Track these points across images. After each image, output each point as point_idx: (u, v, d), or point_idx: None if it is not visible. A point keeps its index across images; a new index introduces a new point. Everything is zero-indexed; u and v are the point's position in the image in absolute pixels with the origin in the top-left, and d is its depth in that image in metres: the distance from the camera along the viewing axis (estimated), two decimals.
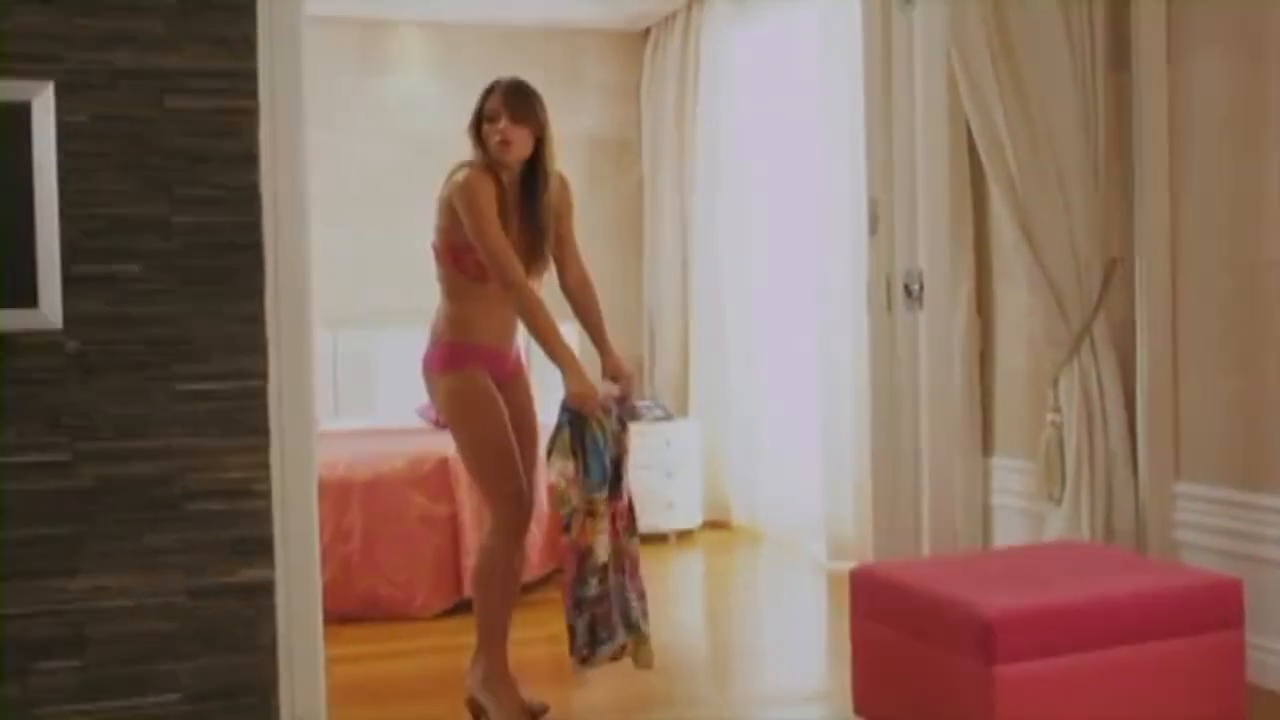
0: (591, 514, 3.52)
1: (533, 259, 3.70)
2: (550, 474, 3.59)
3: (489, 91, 3.70)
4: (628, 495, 3.68)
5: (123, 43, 2.88)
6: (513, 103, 3.64)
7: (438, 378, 3.67)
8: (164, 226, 2.91)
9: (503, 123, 3.61)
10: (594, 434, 3.53)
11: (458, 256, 3.63)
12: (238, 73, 2.97)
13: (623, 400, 3.72)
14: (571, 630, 3.53)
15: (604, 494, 3.53)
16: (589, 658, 3.55)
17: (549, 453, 3.55)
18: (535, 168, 3.70)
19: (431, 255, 3.73)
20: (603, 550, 3.52)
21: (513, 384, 3.78)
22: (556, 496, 3.63)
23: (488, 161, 3.65)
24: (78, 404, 2.87)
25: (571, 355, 3.58)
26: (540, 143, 3.68)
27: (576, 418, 3.54)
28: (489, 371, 3.67)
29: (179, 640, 2.95)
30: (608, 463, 3.55)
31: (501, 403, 3.67)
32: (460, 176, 3.62)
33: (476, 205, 3.55)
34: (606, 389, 3.72)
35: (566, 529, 3.53)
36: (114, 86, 2.87)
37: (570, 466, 3.51)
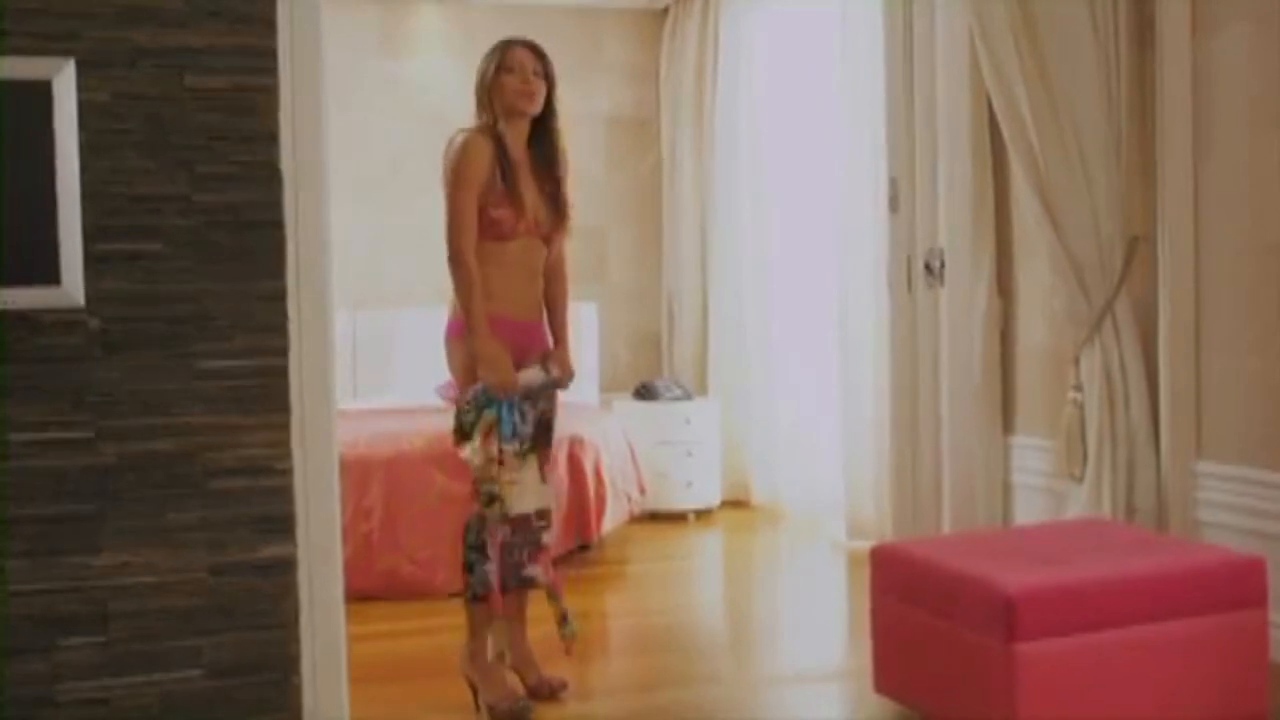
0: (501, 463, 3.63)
1: (554, 213, 3.75)
2: (471, 455, 3.65)
3: (504, 46, 3.74)
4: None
5: (143, 20, 2.87)
6: (534, 56, 3.71)
7: (456, 343, 3.69)
8: (185, 204, 2.91)
9: (528, 74, 3.67)
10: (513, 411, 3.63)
11: (479, 215, 3.65)
12: (258, 50, 2.96)
13: (555, 384, 3.79)
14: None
15: (516, 446, 3.63)
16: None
17: (466, 435, 3.62)
18: (542, 122, 3.74)
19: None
20: (515, 502, 3.66)
21: (532, 349, 3.77)
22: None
23: (493, 122, 3.68)
24: (100, 382, 2.87)
25: (493, 346, 3.58)
26: (550, 100, 3.74)
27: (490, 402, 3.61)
28: (509, 345, 3.66)
29: (201, 616, 2.96)
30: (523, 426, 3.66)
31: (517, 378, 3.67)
32: (459, 140, 3.67)
33: (463, 168, 3.61)
34: (533, 374, 3.72)
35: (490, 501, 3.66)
36: (134, 65, 2.86)
37: (490, 447, 3.61)
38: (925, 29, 4.57)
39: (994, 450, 4.77)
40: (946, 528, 4.61)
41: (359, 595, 4.61)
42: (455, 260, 3.62)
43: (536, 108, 3.71)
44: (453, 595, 4.91)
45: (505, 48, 3.74)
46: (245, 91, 2.96)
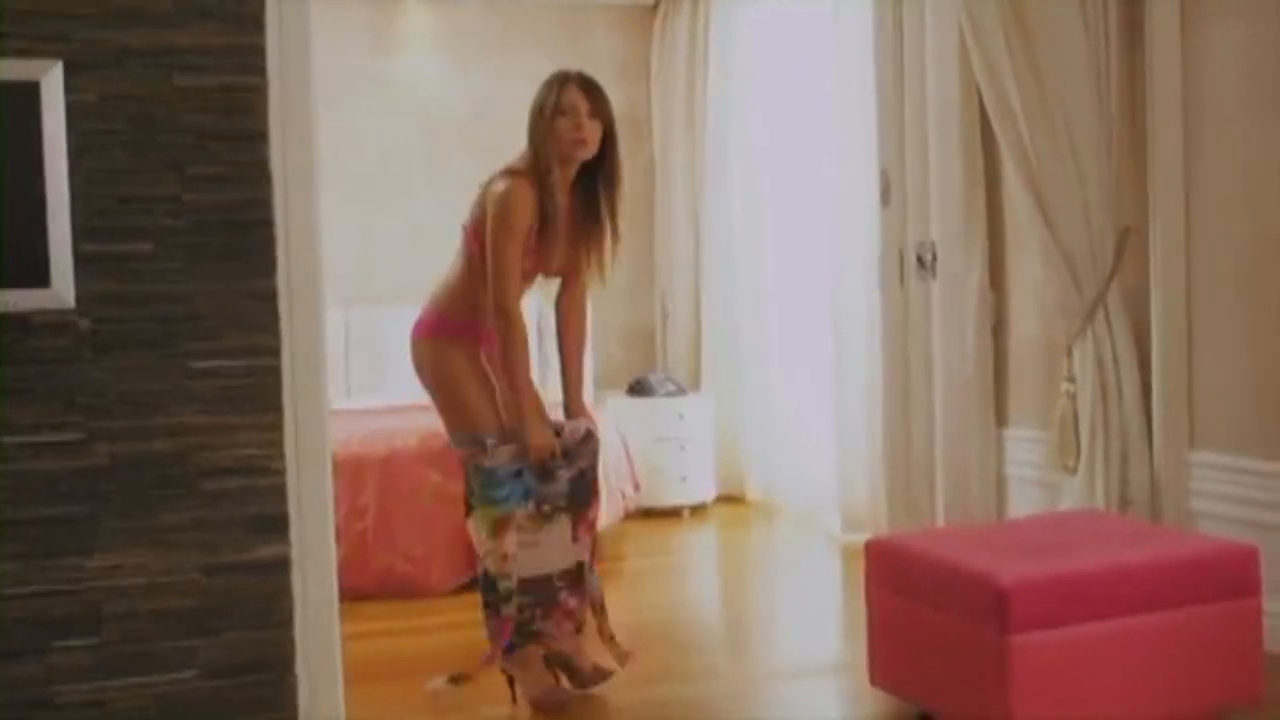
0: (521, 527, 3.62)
1: (573, 257, 3.70)
2: (479, 541, 3.64)
3: (560, 83, 3.58)
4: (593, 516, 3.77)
5: (131, 20, 2.87)
6: (591, 97, 3.57)
7: (429, 345, 3.66)
8: (175, 204, 2.91)
9: (582, 119, 3.54)
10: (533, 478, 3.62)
11: None
12: (246, 49, 2.96)
13: (585, 441, 3.75)
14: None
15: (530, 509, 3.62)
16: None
17: (487, 509, 3.60)
18: (597, 163, 3.63)
19: (460, 234, 3.70)
20: (526, 565, 3.62)
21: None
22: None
23: (540, 165, 3.54)
24: (91, 383, 2.87)
25: (538, 401, 3.57)
26: (609, 139, 3.62)
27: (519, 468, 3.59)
28: (466, 344, 3.67)
29: (195, 617, 2.95)
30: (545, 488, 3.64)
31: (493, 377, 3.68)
32: (502, 187, 3.53)
33: (511, 219, 3.49)
34: (576, 427, 3.72)
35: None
36: (122, 65, 2.86)
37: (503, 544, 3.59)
38: (915, 23, 4.57)
39: (987, 443, 4.78)
40: (940, 520, 4.61)
41: (354, 594, 4.60)
42: (505, 316, 3.51)
43: (590, 153, 3.59)
44: (452, 593, 4.93)
45: (560, 86, 3.57)
46: (235, 91, 2.96)
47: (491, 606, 3.65)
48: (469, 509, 3.68)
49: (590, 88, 3.58)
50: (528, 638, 3.68)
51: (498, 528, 3.58)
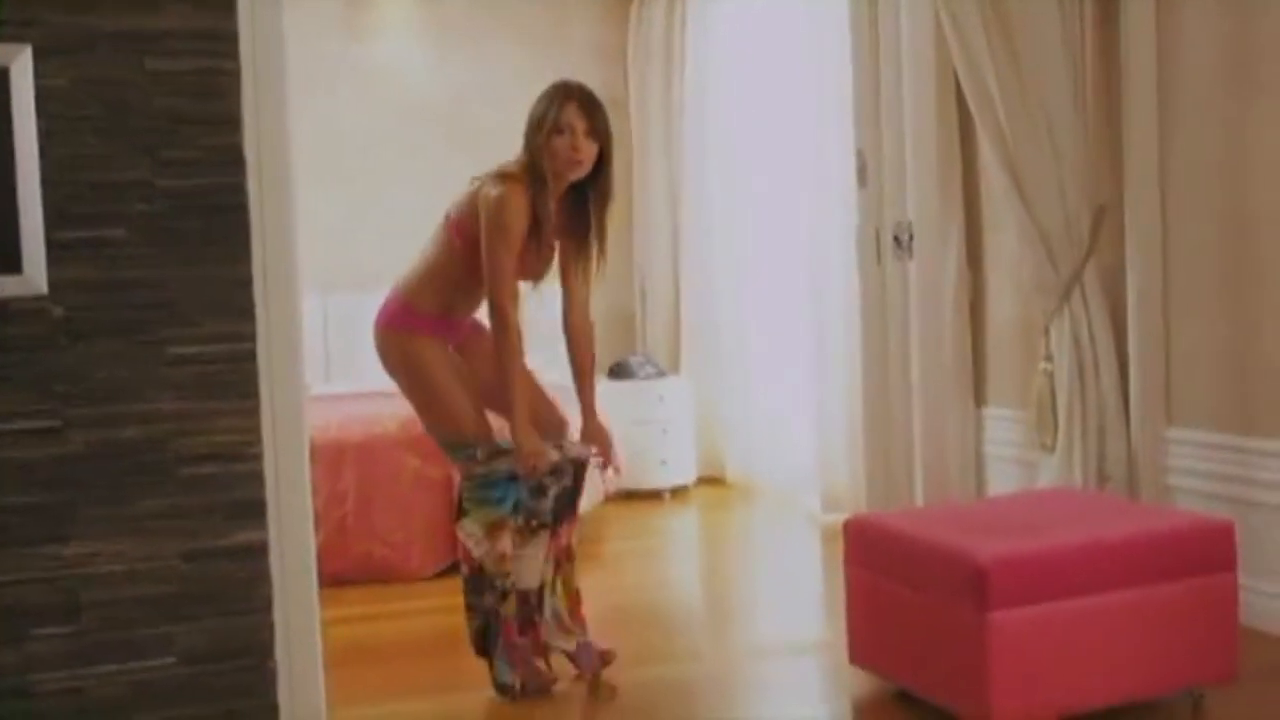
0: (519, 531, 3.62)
1: (563, 265, 3.70)
2: (474, 545, 3.61)
3: (560, 98, 3.53)
4: (567, 537, 3.74)
5: (101, 4, 2.84)
6: (590, 116, 3.52)
7: (395, 337, 3.63)
8: (148, 190, 2.89)
9: (579, 138, 3.50)
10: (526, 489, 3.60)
11: (476, 252, 3.55)
12: (218, 34, 2.94)
13: (604, 466, 3.76)
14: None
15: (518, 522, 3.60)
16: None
17: (470, 521, 3.59)
18: (589, 178, 3.60)
19: (440, 225, 3.67)
20: (524, 577, 3.61)
21: (471, 345, 3.76)
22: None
23: (533, 173, 3.51)
24: (66, 370, 2.85)
25: (527, 409, 3.55)
26: (605, 157, 3.59)
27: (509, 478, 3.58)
28: (443, 338, 3.67)
29: (174, 604, 2.95)
30: (534, 503, 3.62)
31: (461, 364, 3.68)
32: (497, 191, 3.49)
33: (507, 224, 3.46)
34: (580, 450, 3.71)
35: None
36: (93, 49, 2.83)
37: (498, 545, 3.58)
38: (892, 4, 4.57)
39: (966, 422, 4.79)
40: (919, 499, 4.63)
41: (334, 580, 4.60)
42: (502, 319, 3.49)
43: (583, 173, 3.56)
44: (431, 578, 4.93)
45: (561, 102, 3.51)
46: (208, 75, 2.94)
47: (475, 609, 3.64)
48: (460, 513, 3.66)
49: (590, 106, 3.53)
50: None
51: (493, 529, 3.58)
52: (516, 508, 3.60)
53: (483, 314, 3.74)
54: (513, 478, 3.57)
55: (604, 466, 3.82)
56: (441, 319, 3.63)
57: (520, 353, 3.53)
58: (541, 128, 3.52)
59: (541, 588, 3.67)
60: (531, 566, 3.63)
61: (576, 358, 3.79)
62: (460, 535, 3.64)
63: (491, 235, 3.48)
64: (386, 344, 3.67)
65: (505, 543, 3.58)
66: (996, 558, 2.98)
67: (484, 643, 3.65)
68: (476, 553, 3.60)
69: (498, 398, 3.63)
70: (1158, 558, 3.13)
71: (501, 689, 3.59)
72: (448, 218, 3.65)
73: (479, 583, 3.62)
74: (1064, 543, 3.10)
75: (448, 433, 3.65)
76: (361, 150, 6.84)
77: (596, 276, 3.74)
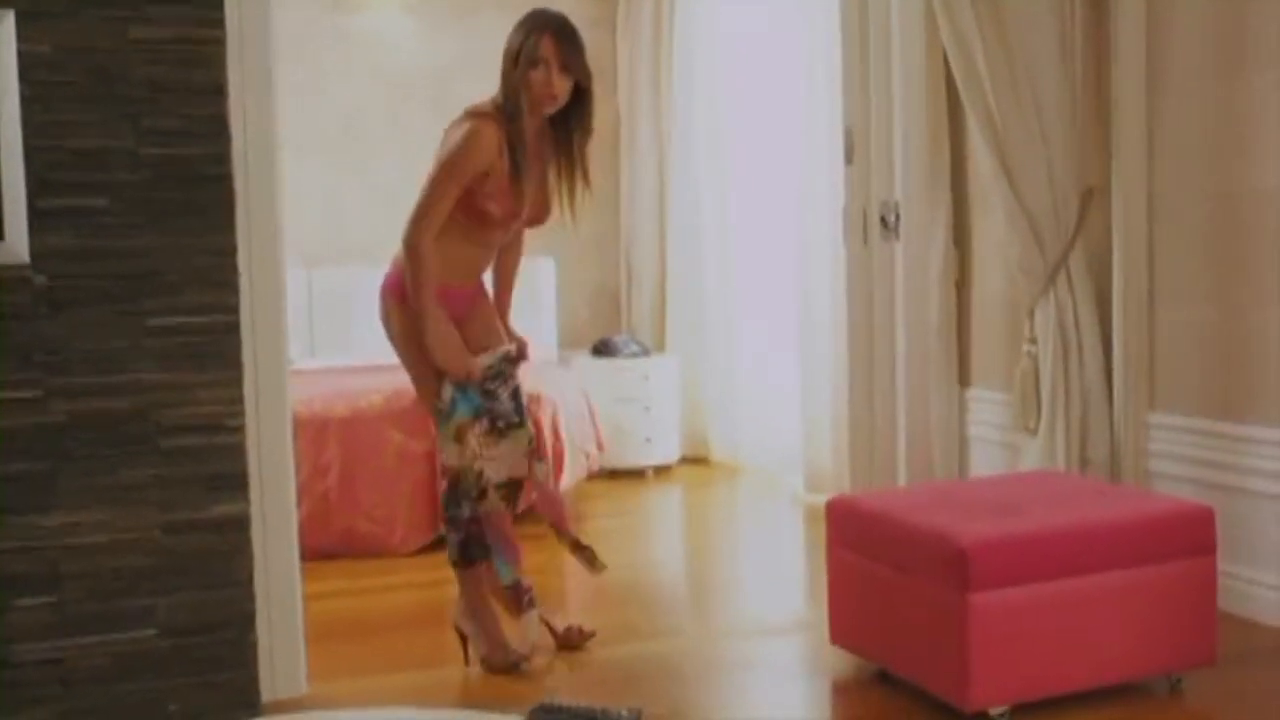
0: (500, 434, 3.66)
1: (541, 207, 3.66)
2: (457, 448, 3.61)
3: (536, 30, 3.47)
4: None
5: None
6: (565, 49, 3.46)
7: (396, 305, 3.58)
8: (131, 158, 2.87)
9: (553, 73, 3.45)
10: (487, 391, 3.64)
11: (468, 199, 3.49)
12: (204, 1, 2.92)
13: (518, 359, 3.76)
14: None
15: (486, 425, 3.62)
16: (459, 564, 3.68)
17: (443, 441, 3.60)
18: (569, 110, 3.56)
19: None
20: (492, 472, 3.62)
21: (471, 313, 3.73)
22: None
23: (508, 108, 3.46)
24: (48, 339, 2.84)
25: (450, 345, 3.52)
26: (583, 92, 3.55)
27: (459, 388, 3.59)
28: (453, 313, 3.62)
29: (155, 575, 2.94)
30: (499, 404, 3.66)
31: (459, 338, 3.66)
32: (466, 127, 3.44)
33: (462, 160, 3.40)
34: (505, 350, 3.71)
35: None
36: (76, 15, 2.81)
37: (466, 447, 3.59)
38: None
39: (950, 403, 4.80)
40: (903, 480, 4.64)
41: (317, 553, 4.59)
42: (414, 250, 3.43)
43: (556, 108, 3.52)
44: (414, 554, 4.93)
45: (538, 34, 3.45)
46: (192, 43, 2.92)
47: (454, 523, 3.64)
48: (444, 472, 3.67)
49: (567, 38, 3.48)
50: (481, 550, 3.67)
51: (460, 432, 3.57)
52: (479, 413, 3.60)
53: (488, 279, 3.78)
54: (463, 391, 3.57)
55: (517, 359, 3.77)
56: (440, 290, 3.58)
57: (431, 277, 3.45)
58: (517, 61, 3.47)
59: (515, 481, 3.71)
60: (499, 467, 3.65)
61: (502, 266, 3.82)
62: (440, 459, 3.68)
63: (442, 165, 3.42)
64: (387, 312, 3.64)
65: (473, 443, 3.58)
66: (977, 540, 2.98)
67: (465, 554, 3.66)
68: (451, 461, 3.60)
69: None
70: (1139, 542, 3.14)
71: (511, 588, 3.61)
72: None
73: (455, 495, 3.63)
74: (1045, 526, 3.11)
75: (424, 400, 3.68)
76: (347, 122, 6.80)
77: (581, 208, 3.70)
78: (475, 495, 3.60)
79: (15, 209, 2.75)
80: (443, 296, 3.55)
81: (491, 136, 3.44)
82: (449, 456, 3.61)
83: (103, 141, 2.84)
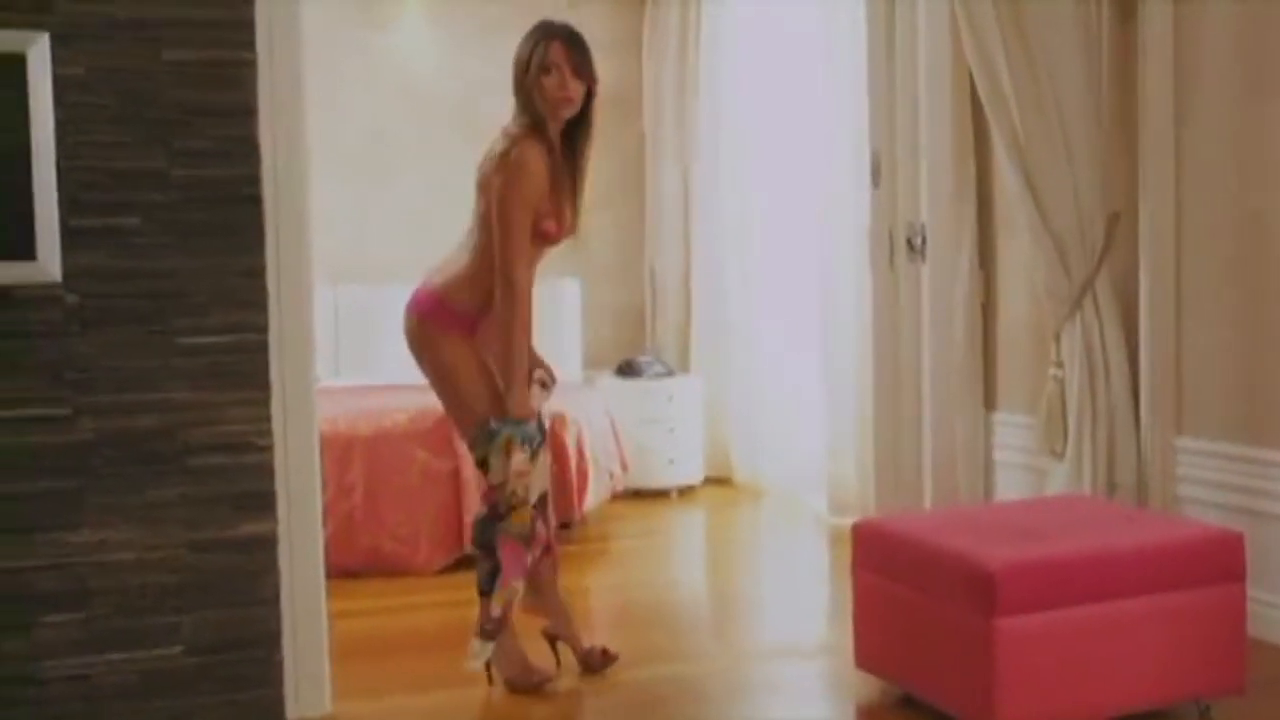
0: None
1: (574, 218, 3.67)
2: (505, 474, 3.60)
3: (545, 38, 3.51)
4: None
5: None
6: (575, 54, 3.50)
7: (444, 335, 3.57)
8: (162, 179, 2.90)
9: (566, 77, 3.48)
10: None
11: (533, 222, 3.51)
12: (235, 23, 2.95)
13: (549, 386, 3.79)
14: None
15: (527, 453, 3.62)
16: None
17: (492, 457, 3.57)
18: (576, 120, 3.58)
19: (470, 219, 3.62)
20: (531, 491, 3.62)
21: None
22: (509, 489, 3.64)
23: (535, 121, 3.50)
24: (78, 358, 2.86)
25: (525, 376, 3.54)
26: (590, 96, 3.58)
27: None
28: (480, 338, 3.64)
29: (181, 593, 2.96)
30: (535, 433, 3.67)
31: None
32: (513, 151, 3.46)
33: (525, 185, 3.43)
34: (539, 393, 3.74)
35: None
36: (110, 38, 2.84)
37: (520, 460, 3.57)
38: (908, 3, 4.56)
39: (975, 426, 4.78)
40: (928, 504, 4.62)
41: (341, 572, 4.60)
42: (512, 284, 3.44)
43: (573, 111, 3.54)
44: (438, 573, 4.93)
45: (546, 41, 3.50)
46: (223, 65, 2.95)
47: (487, 550, 3.61)
48: (480, 538, 3.66)
49: (574, 44, 3.52)
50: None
51: (509, 445, 3.54)
52: (521, 438, 3.59)
53: None
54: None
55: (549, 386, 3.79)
56: (477, 317, 3.59)
57: (528, 323, 3.50)
58: (529, 69, 3.51)
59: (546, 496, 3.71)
60: (535, 485, 3.63)
61: None
62: (488, 481, 3.62)
63: (507, 193, 3.43)
64: (419, 339, 3.63)
65: (519, 458, 3.56)
66: (1005, 564, 2.97)
67: (492, 584, 3.63)
68: (498, 478, 3.56)
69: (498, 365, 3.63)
70: (1167, 568, 3.12)
71: (505, 611, 3.60)
72: (481, 214, 3.60)
73: (490, 525, 3.60)
74: (1073, 550, 3.09)
75: (466, 432, 3.66)
76: (375, 140, 6.83)
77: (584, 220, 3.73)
78: (505, 511, 3.59)
79: (48, 229, 2.77)
80: (476, 323, 3.57)
81: (540, 156, 3.48)
82: (497, 473, 3.58)
83: (135, 162, 2.87)
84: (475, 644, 3.59)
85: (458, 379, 3.60)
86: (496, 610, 3.57)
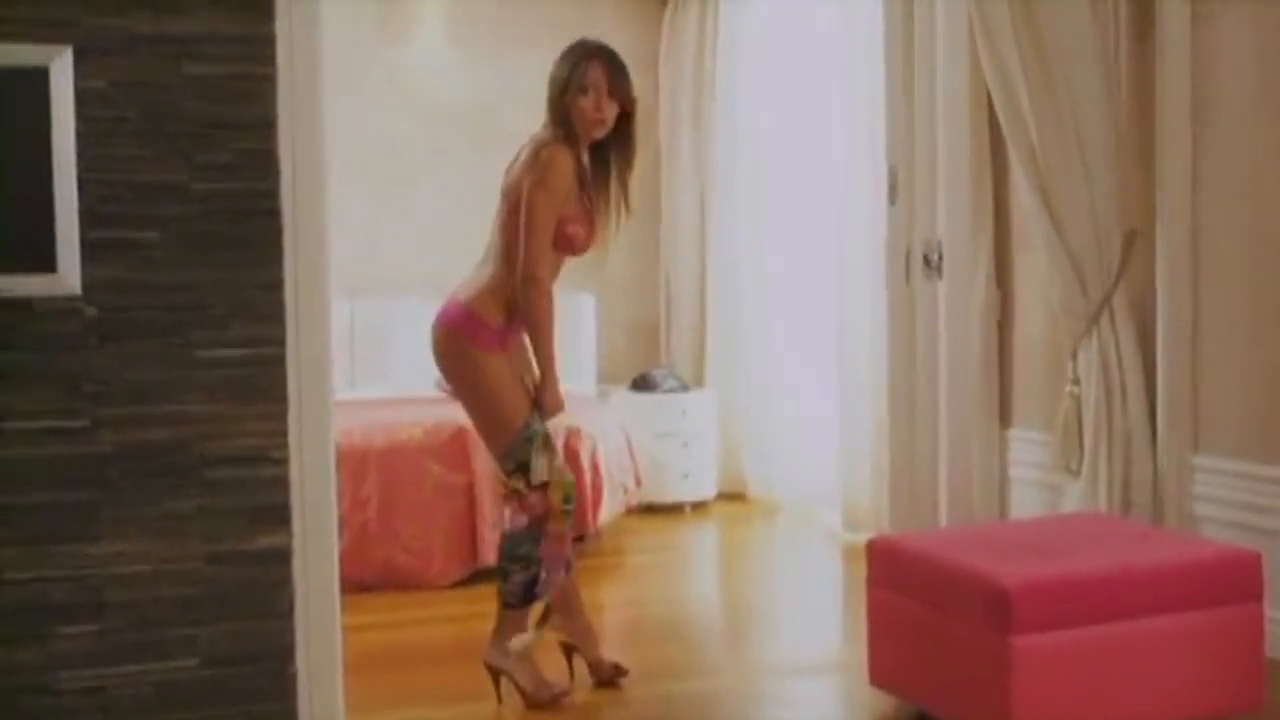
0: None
1: (603, 230, 3.71)
2: (545, 475, 3.61)
3: (585, 58, 3.58)
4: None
5: (141, 7, 2.86)
6: (613, 75, 3.57)
7: (477, 350, 3.59)
8: (182, 193, 2.90)
9: (601, 98, 3.55)
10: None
11: (557, 226, 3.55)
12: (256, 38, 2.95)
13: None
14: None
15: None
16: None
17: (534, 458, 3.58)
18: (609, 138, 3.64)
19: (493, 231, 3.67)
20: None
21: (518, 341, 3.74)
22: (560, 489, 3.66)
23: (567, 134, 3.56)
24: (96, 370, 2.87)
25: (556, 370, 3.59)
26: (628, 116, 3.64)
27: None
28: (514, 345, 3.67)
29: (197, 606, 2.95)
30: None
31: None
32: (542, 153, 3.52)
33: (554, 185, 3.50)
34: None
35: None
36: (132, 52, 2.85)
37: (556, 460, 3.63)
38: (926, 19, 4.56)
39: (991, 443, 4.77)
40: (943, 521, 4.61)
41: (355, 585, 4.60)
42: (533, 284, 3.50)
43: (604, 132, 3.61)
44: (451, 586, 4.93)
45: (586, 62, 3.57)
46: (244, 79, 2.95)
47: (527, 560, 3.60)
48: (513, 490, 3.65)
49: (613, 64, 3.59)
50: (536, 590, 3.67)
51: (547, 441, 3.60)
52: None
53: None
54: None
55: None
56: (507, 330, 3.61)
57: (552, 314, 3.53)
58: (566, 88, 3.55)
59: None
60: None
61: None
62: (523, 491, 3.61)
63: (535, 192, 3.49)
64: (450, 352, 3.65)
65: (559, 450, 3.65)
66: (1021, 582, 2.96)
67: (529, 594, 3.63)
68: (542, 476, 3.57)
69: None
70: (1184, 587, 3.11)
71: (508, 606, 3.65)
72: (499, 225, 3.63)
73: (529, 537, 3.61)
74: (1089, 568, 3.08)
75: (501, 445, 3.66)
76: (389, 154, 6.85)
77: (619, 232, 3.79)
78: (546, 515, 3.61)
79: (68, 241, 2.78)
80: (507, 335, 3.59)
81: (568, 160, 3.53)
82: (540, 472, 3.58)
83: (155, 176, 2.87)
84: (516, 639, 3.63)
85: (496, 395, 3.61)
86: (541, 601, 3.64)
